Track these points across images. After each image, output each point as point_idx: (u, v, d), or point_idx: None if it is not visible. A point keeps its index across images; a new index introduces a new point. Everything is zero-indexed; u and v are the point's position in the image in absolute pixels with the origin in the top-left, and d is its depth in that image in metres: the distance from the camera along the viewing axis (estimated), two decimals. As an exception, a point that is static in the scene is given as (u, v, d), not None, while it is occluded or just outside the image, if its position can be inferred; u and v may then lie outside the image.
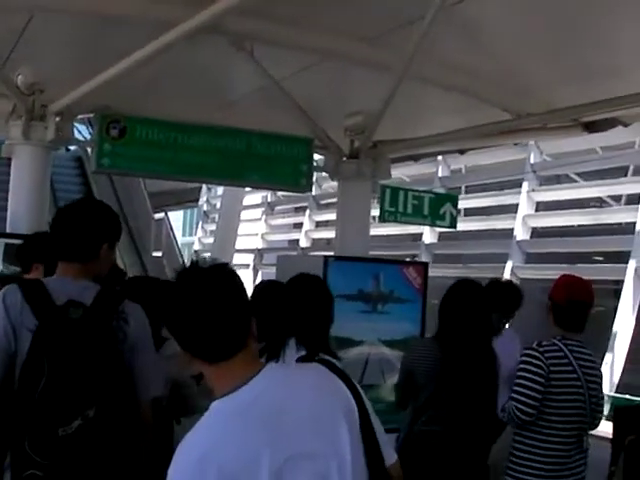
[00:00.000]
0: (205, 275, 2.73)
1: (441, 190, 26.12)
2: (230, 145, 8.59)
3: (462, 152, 12.80)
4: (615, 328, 23.83)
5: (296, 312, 4.36)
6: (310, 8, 6.80)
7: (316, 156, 10.00)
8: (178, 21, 6.52)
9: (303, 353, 4.13)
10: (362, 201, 9.12)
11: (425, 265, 9.09)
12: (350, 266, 8.37)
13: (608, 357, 23.06)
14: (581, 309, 5.31)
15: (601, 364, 19.45)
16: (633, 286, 24.21)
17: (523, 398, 5.12)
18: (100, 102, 8.37)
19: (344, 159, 8.96)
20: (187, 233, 57.35)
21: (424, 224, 9.71)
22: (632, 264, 24.37)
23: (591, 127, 8.81)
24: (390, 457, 3.55)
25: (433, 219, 9.43)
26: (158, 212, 25.17)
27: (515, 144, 13.75)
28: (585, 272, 26.43)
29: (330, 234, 24.76)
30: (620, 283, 24.68)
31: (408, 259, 29.56)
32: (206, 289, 2.69)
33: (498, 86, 8.22)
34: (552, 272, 26.89)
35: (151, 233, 21.22)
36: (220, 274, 2.76)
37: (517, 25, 6.89)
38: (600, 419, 5.49)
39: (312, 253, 30.42)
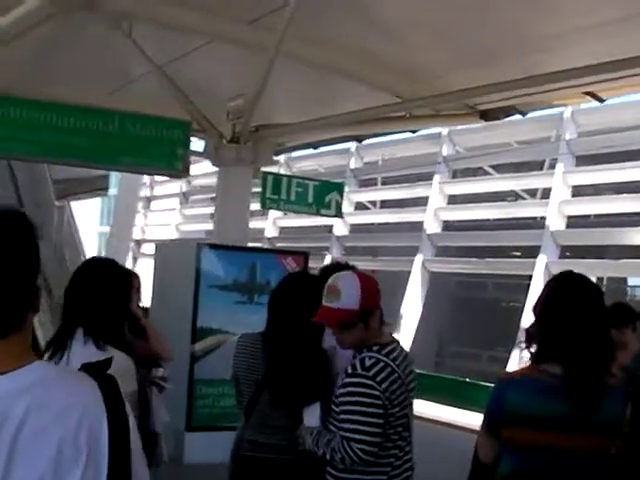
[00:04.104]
0: None
1: (353, 181, 25.83)
2: (102, 127, 8.18)
3: (360, 140, 12.56)
4: (522, 324, 23.76)
5: (85, 299, 3.82)
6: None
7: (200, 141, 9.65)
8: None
9: (91, 346, 3.62)
10: (242, 188, 8.78)
11: (306, 255, 8.79)
12: (225, 255, 8.12)
13: (515, 352, 23.01)
14: None
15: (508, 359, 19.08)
16: (543, 281, 24.13)
17: (365, 437, 4.31)
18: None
19: (224, 143, 8.57)
20: (105, 222, 56.58)
21: (309, 213, 9.37)
22: (542, 259, 24.37)
23: (487, 115, 8.71)
24: None
25: (318, 207, 9.14)
26: (65, 200, 24.68)
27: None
28: (495, 267, 26.58)
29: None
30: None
31: (324, 252, 29.46)
32: None
33: (390, 71, 8.06)
34: (463, 266, 26.97)
35: (53, 221, 20.64)
36: (13, 221, 1.97)
37: (411, 7, 6.67)
38: None
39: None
